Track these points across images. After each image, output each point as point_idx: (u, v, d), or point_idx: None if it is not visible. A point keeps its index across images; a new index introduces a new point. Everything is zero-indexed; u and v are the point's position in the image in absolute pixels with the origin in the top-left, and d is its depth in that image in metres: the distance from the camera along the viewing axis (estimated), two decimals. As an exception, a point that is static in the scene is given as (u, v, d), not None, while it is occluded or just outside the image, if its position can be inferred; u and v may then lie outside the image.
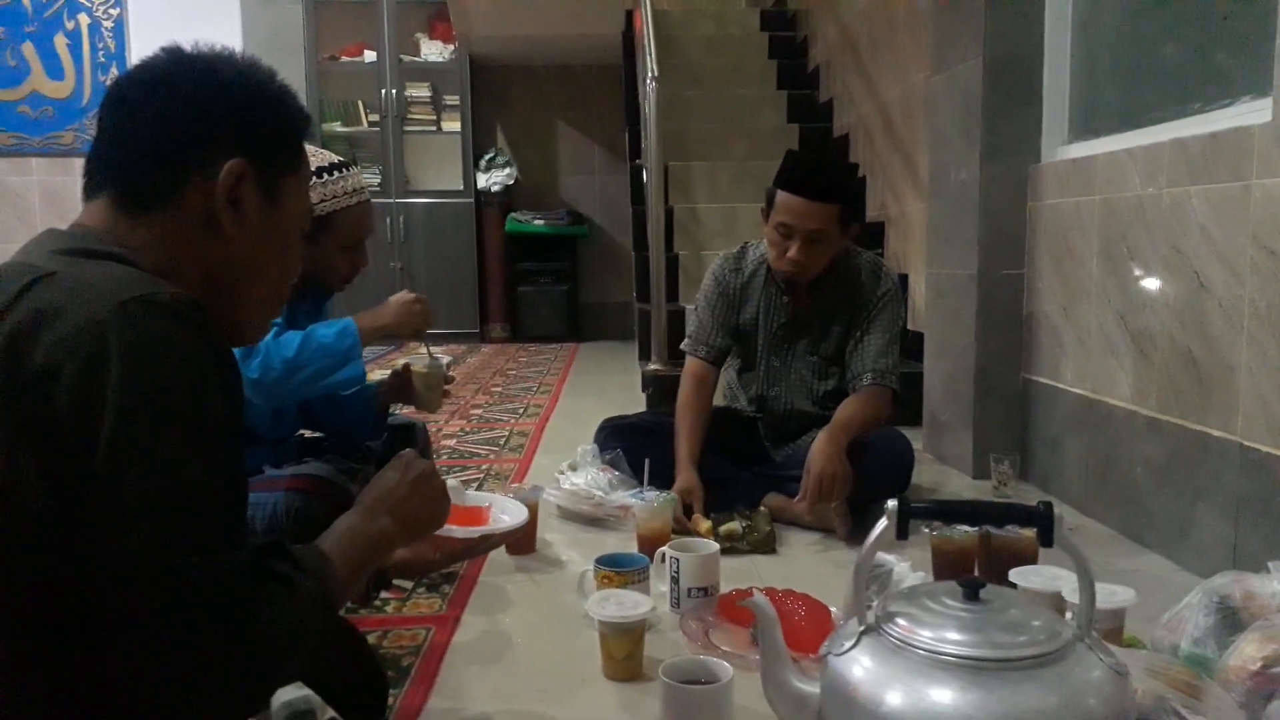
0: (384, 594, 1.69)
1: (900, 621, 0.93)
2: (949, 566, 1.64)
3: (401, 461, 1.04)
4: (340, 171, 1.73)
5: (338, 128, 6.08)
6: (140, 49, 5.12)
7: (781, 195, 2.11)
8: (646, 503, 1.95)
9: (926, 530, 1.68)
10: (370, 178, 5.85)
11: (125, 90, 0.89)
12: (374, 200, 1.84)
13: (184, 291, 0.80)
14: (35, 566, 0.73)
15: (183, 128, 0.87)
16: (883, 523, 0.97)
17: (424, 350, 2.03)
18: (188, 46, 0.90)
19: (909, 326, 3.28)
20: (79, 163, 0.92)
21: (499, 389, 4.22)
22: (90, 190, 0.89)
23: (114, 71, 5.62)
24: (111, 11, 5.67)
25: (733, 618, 1.52)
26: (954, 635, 0.90)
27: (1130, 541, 2.03)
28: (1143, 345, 1.99)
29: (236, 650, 0.75)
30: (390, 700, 1.26)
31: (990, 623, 0.91)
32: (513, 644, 1.55)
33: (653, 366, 3.48)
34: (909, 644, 0.91)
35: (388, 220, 5.88)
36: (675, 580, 1.62)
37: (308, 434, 1.98)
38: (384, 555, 0.98)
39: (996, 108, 2.46)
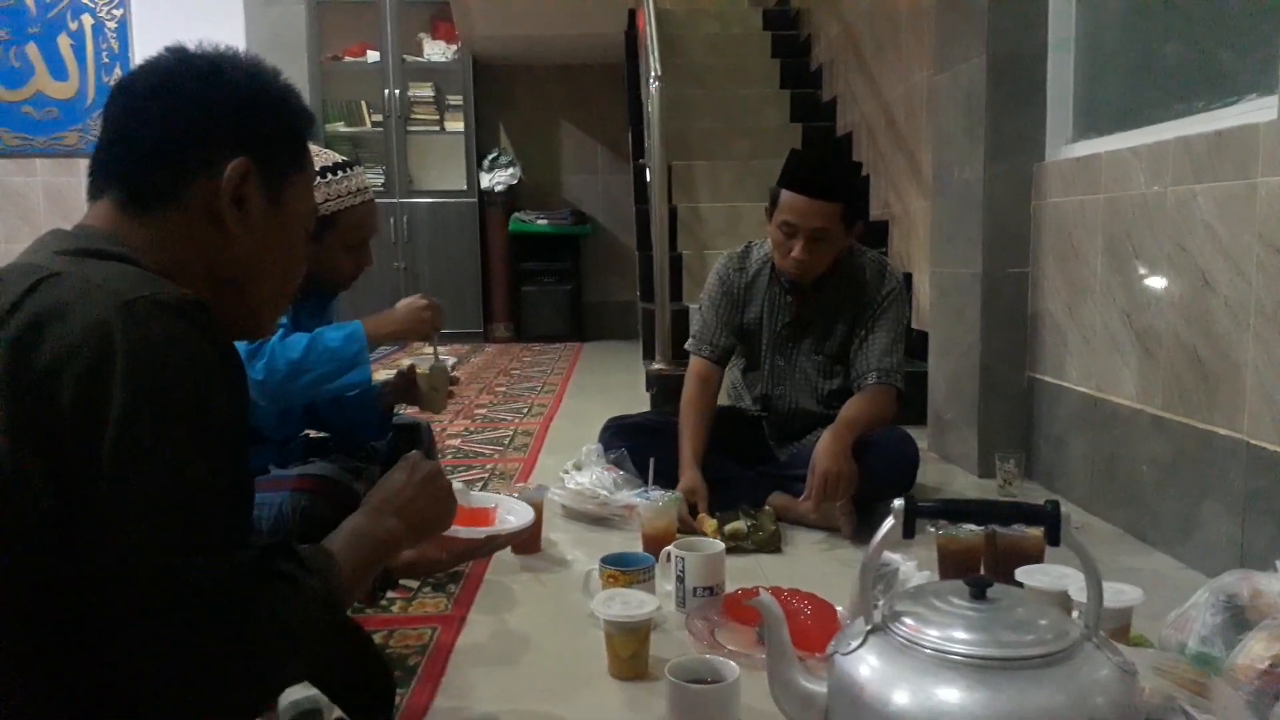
0: (390, 594, 1.69)
1: (907, 621, 0.93)
2: (955, 565, 1.64)
3: (408, 463, 1.04)
4: (344, 171, 1.73)
5: (341, 128, 6.09)
6: (143, 50, 5.13)
7: (785, 194, 2.11)
8: (651, 502, 1.94)
9: (932, 529, 1.68)
10: (374, 178, 5.86)
11: (130, 90, 0.89)
12: (377, 200, 1.84)
13: (189, 291, 0.81)
14: (38, 566, 0.73)
15: (187, 127, 0.87)
16: (889, 521, 0.97)
17: (429, 350, 2.03)
18: (192, 46, 0.90)
19: (913, 325, 3.28)
20: (83, 163, 0.92)
21: (503, 389, 4.22)
22: (95, 190, 0.89)
23: (117, 72, 5.63)
24: (115, 12, 5.68)
25: (738, 617, 1.52)
26: (961, 634, 0.89)
27: (1136, 540, 2.03)
28: (1148, 344, 1.99)
29: (239, 649, 0.75)
30: (396, 700, 1.26)
31: (997, 622, 0.91)
32: (518, 643, 1.55)
33: (657, 366, 3.48)
34: (916, 643, 0.91)
35: (391, 220, 5.88)
36: (680, 579, 1.62)
37: (313, 434, 1.98)
38: (390, 556, 0.99)
39: (1000, 106, 2.46)
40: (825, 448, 1.99)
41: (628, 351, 5.21)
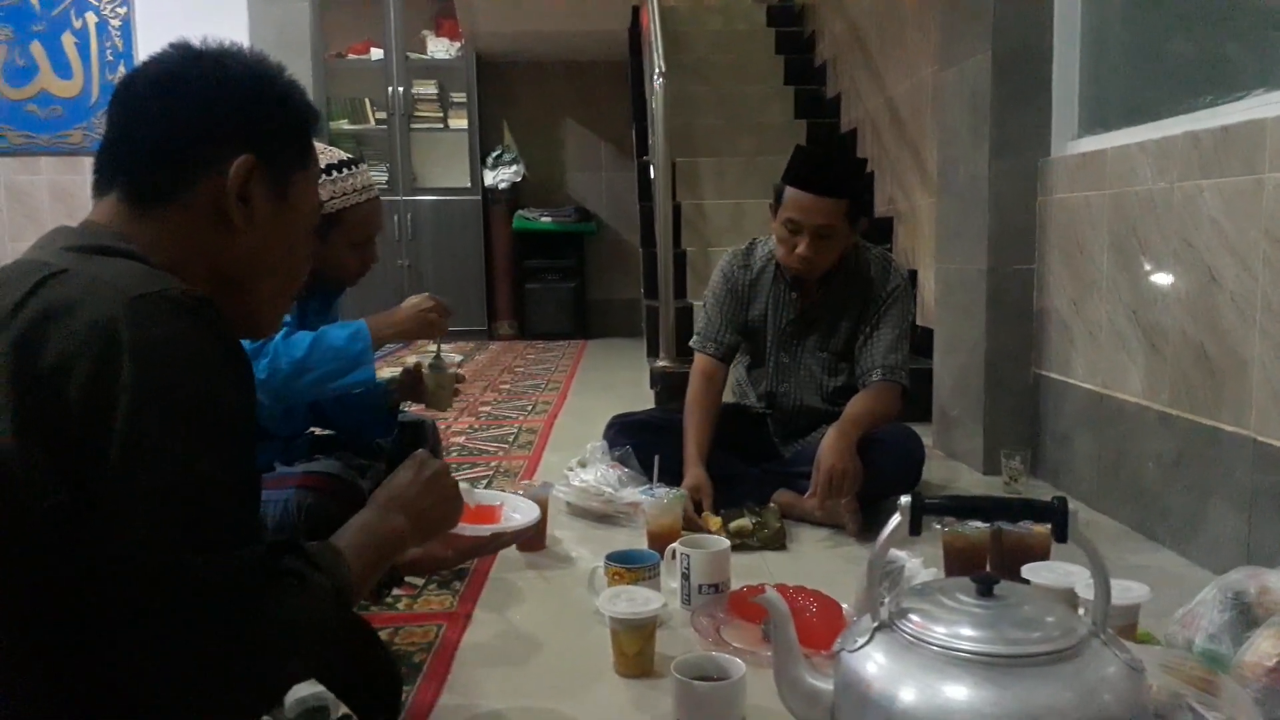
0: (395, 591, 1.69)
1: (914, 618, 0.93)
2: (960, 562, 1.64)
3: (415, 461, 1.04)
4: (349, 169, 1.73)
5: (345, 125, 6.09)
6: (148, 48, 5.12)
7: (790, 191, 2.10)
8: (656, 499, 1.94)
9: (938, 526, 1.68)
10: (377, 175, 5.83)
11: (134, 87, 0.89)
12: (381, 198, 1.84)
13: (195, 288, 0.81)
14: (45, 563, 0.73)
15: (192, 124, 0.87)
16: (896, 518, 0.97)
17: (433, 348, 2.03)
18: (196, 43, 0.90)
19: (918, 322, 3.28)
20: (88, 162, 0.92)
21: (507, 386, 4.22)
22: (100, 187, 0.89)
23: (122, 70, 5.63)
24: (119, 10, 5.68)
25: (743, 614, 1.52)
26: (968, 631, 0.89)
27: (1142, 537, 2.02)
28: (1154, 340, 1.98)
29: (246, 646, 0.75)
30: (402, 697, 1.26)
31: (1004, 619, 0.90)
32: (524, 640, 1.55)
33: (661, 363, 3.48)
34: (923, 640, 0.91)
35: (395, 218, 5.88)
36: (686, 577, 1.62)
37: (318, 431, 1.98)
38: (397, 554, 0.99)
39: (1005, 102, 2.45)
40: (830, 445, 1.99)
41: (632, 349, 5.21)
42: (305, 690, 1.16)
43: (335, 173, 1.71)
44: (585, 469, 2.24)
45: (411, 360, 2.03)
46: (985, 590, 0.94)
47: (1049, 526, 0.95)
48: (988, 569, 1.59)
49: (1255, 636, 1.19)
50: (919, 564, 1.52)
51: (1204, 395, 1.82)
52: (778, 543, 1.97)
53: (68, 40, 5.68)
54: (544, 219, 6.05)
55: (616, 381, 4.25)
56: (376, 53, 6.06)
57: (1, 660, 0.75)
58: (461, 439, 3.10)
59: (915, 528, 0.96)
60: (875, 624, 0.95)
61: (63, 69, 5.70)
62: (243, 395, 0.81)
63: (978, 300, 2.54)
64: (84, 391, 0.72)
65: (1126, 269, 2.08)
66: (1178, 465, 1.91)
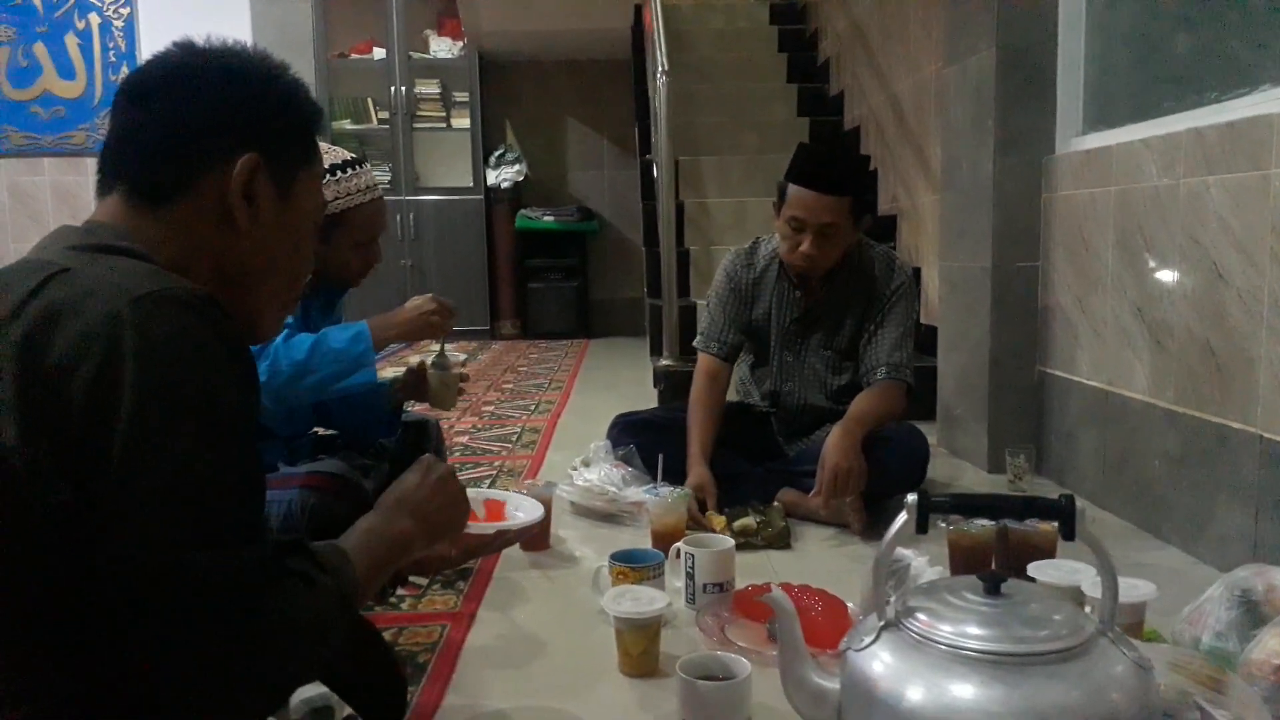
0: (399, 591, 1.69)
1: (920, 616, 0.93)
2: (966, 561, 1.63)
3: (422, 464, 1.04)
4: (353, 169, 1.73)
5: (347, 125, 6.09)
6: (151, 48, 5.12)
7: (793, 189, 2.10)
8: (660, 498, 1.94)
9: (943, 524, 1.67)
10: (380, 175, 5.86)
11: (138, 85, 0.89)
12: (384, 198, 1.84)
13: (199, 286, 0.80)
14: (49, 561, 0.73)
15: (196, 122, 0.87)
16: (902, 516, 0.96)
17: (435, 346, 2.02)
18: (199, 41, 0.90)
19: (922, 320, 3.27)
20: (91, 162, 0.92)
21: (510, 386, 4.22)
22: (104, 186, 0.89)
23: (125, 71, 5.64)
24: (122, 11, 5.69)
25: (748, 613, 1.51)
26: (975, 630, 0.89)
27: (1147, 535, 2.02)
28: (1160, 337, 1.98)
29: (249, 646, 0.75)
30: (407, 698, 1.26)
31: (1012, 617, 0.90)
32: (529, 640, 1.55)
33: (664, 362, 3.48)
34: (930, 639, 0.90)
35: (398, 218, 5.89)
36: (690, 576, 1.62)
37: (322, 431, 1.98)
38: (404, 557, 0.98)
39: (1010, 99, 2.44)
40: (835, 443, 1.98)
41: (634, 348, 5.20)
42: (311, 691, 1.16)
43: (339, 173, 1.70)
44: (589, 468, 2.24)
45: (415, 360, 2.03)
46: (992, 588, 0.93)
47: (1055, 524, 0.94)
48: (993, 567, 1.58)
49: (1262, 634, 1.19)
50: (925, 562, 1.51)
51: (1210, 392, 1.82)
52: (782, 542, 1.96)
53: (71, 41, 5.69)
54: (546, 218, 6.05)
55: (620, 380, 4.25)
56: (379, 52, 6.06)
57: (7, 660, 0.75)
58: (465, 438, 3.10)
59: (922, 526, 0.96)
60: (882, 623, 0.95)
61: (66, 70, 5.71)
62: (246, 394, 0.81)
63: (982, 298, 2.54)
64: (88, 390, 0.72)
65: (1132, 266, 2.08)
66: (1184, 463, 1.90)
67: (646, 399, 3.38)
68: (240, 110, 0.88)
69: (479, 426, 3.30)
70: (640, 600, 1.40)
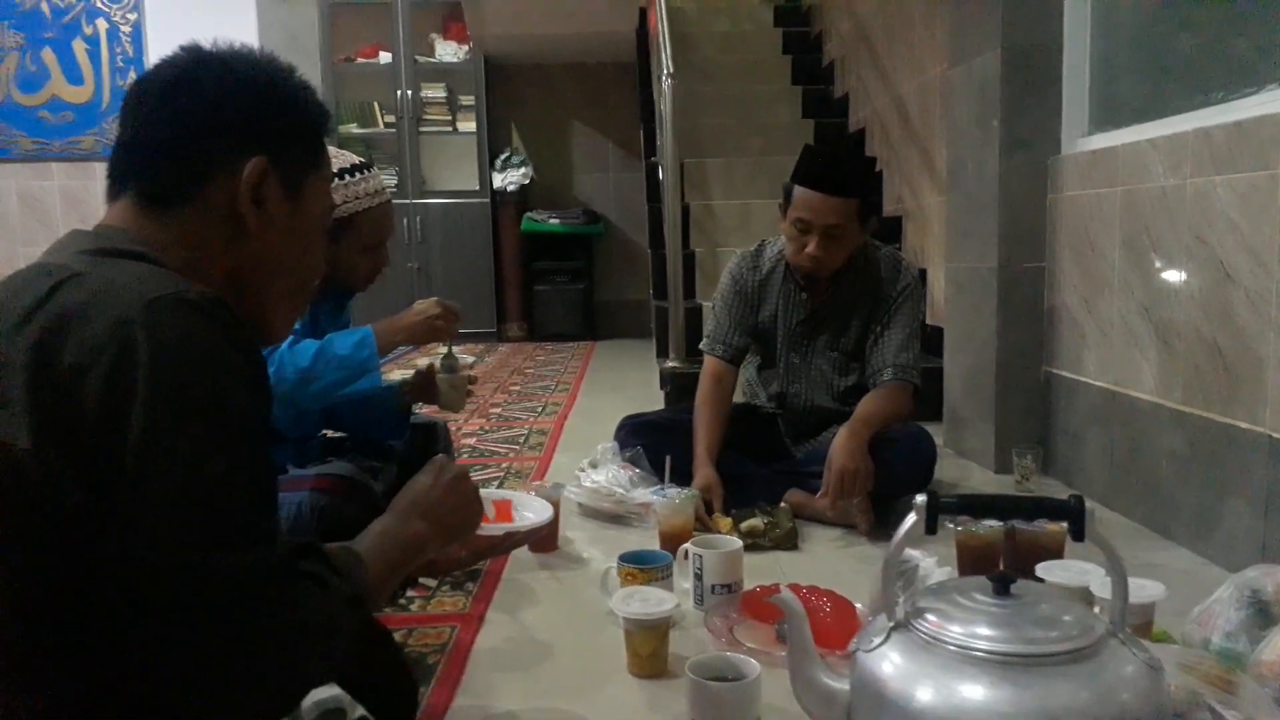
0: (409, 592, 1.70)
1: (930, 617, 0.93)
2: (974, 562, 1.63)
3: (435, 466, 1.04)
4: (362, 173, 1.74)
5: (354, 129, 6.11)
6: (158, 53, 5.13)
7: (799, 191, 2.10)
8: (668, 500, 1.94)
9: (951, 525, 1.67)
10: (387, 179, 5.86)
11: (146, 89, 0.89)
12: (392, 201, 1.84)
13: (210, 289, 0.81)
14: (62, 563, 0.73)
15: (204, 126, 0.87)
16: (911, 517, 0.96)
17: (443, 348, 2.03)
18: (207, 45, 0.90)
19: (928, 321, 3.27)
20: (99, 167, 0.93)
21: (517, 388, 4.22)
22: (114, 191, 0.89)
23: (132, 76, 5.65)
24: (129, 16, 5.72)
25: (757, 614, 1.51)
26: (985, 631, 0.89)
27: (1155, 535, 2.01)
28: (1167, 337, 1.98)
29: (261, 647, 0.75)
30: (419, 699, 1.26)
31: (1022, 618, 0.90)
32: (537, 641, 1.55)
33: (670, 364, 3.48)
34: (939, 640, 0.90)
35: (404, 221, 5.90)
36: (698, 577, 1.62)
37: (330, 433, 1.99)
38: (417, 559, 0.99)
39: (1015, 99, 2.44)
40: (842, 444, 1.98)
41: (640, 350, 5.21)
42: (323, 693, 1.16)
43: (348, 176, 1.71)
44: (596, 470, 2.24)
45: (423, 362, 2.03)
46: (1002, 589, 0.93)
47: (1063, 525, 0.94)
48: (1001, 568, 1.58)
49: (1273, 634, 1.19)
50: (934, 563, 1.51)
51: (1218, 392, 1.81)
52: (790, 543, 1.96)
53: (78, 47, 5.72)
54: (552, 221, 6.05)
55: (626, 382, 4.25)
56: (385, 56, 6.08)
57: (21, 661, 0.75)
58: (472, 440, 3.11)
59: (931, 527, 0.96)
60: (891, 623, 0.95)
61: (74, 75, 5.74)
62: (257, 396, 0.82)
63: (988, 298, 2.54)
64: (100, 394, 0.73)
65: (1138, 266, 2.07)
66: (1192, 463, 1.90)
67: (653, 401, 3.38)
68: (248, 113, 0.88)
69: (486, 428, 3.31)
70: (649, 601, 1.40)
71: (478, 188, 6.10)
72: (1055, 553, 1.59)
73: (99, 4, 5.73)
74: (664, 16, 3.92)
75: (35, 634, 0.75)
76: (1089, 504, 0.93)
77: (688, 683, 1.19)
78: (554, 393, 4.05)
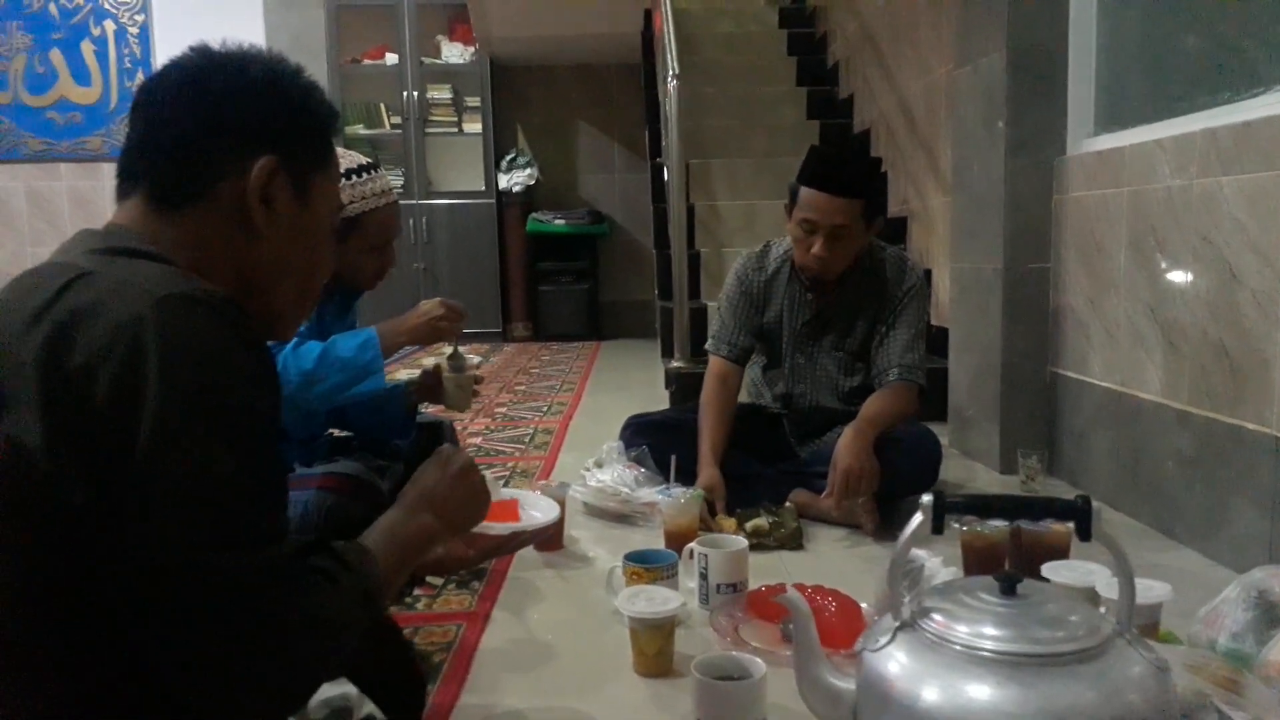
0: (415, 591, 1.70)
1: (936, 617, 0.93)
2: (980, 562, 1.63)
3: (441, 457, 1.04)
4: (369, 173, 1.74)
5: (360, 130, 6.12)
6: (166, 54, 5.17)
7: (805, 191, 2.10)
8: (673, 499, 1.94)
9: (956, 525, 1.67)
10: (393, 180, 5.86)
11: (155, 90, 0.89)
12: (398, 202, 1.85)
13: (220, 288, 0.81)
14: (73, 561, 0.74)
15: (213, 125, 0.87)
16: (918, 517, 0.96)
17: (448, 348, 2.03)
18: (215, 45, 0.91)
19: (933, 322, 3.27)
20: (107, 168, 0.93)
21: (523, 387, 4.23)
22: (123, 190, 0.89)
23: (140, 77, 5.69)
24: (137, 18, 5.74)
25: (762, 614, 1.52)
26: (991, 630, 0.89)
27: (1161, 536, 2.01)
28: (1173, 338, 1.97)
29: (273, 644, 0.75)
30: (427, 695, 1.26)
31: (1028, 618, 0.90)
32: (543, 640, 1.55)
33: (675, 364, 3.48)
34: (946, 639, 0.90)
35: (410, 222, 5.91)
36: (704, 576, 1.62)
37: (337, 433, 1.99)
38: (426, 552, 0.99)
39: (1021, 100, 2.44)
40: (847, 445, 1.98)
41: (645, 350, 5.21)
42: (330, 691, 1.16)
43: (354, 177, 1.72)
44: (602, 469, 2.24)
45: (429, 362, 2.04)
46: (1008, 589, 0.93)
47: (1068, 525, 0.94)
48: (1007, 568, 1.58)
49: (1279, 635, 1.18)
50: (939, 563, 1.51)
51: (1224, 393, 1.81)
52: (795, 542, 1.96)
53: (86, 48, 5.74)
54: (558, 221, 6.06)
55: (631, 382, 4.26)
56: (391, 58, 6.09)
57: (33, 660, 0.76)
58: (478, 440, 3.11)
59: (938, 527, 0.96)
60: (897, 623, 0.95)
61: (82, 76, 5.76)
62: (267, 395, 0.82)
63: (993, 299, 2.53)
64: (111, 393, 0.73)
65: (1144, 267, 2.07)
66: (1198, 464, 1.89)
67: (658, 401, 3.39)
68: (257, 114, 0.89)
69: (492, 428, 3.31)
70: (655, 600, 1.40)
71: (483, 188, 6.11)
72: (1061, 553, 1.59)
73: (107, 5, 5.75)
74: (669, 18, 3.93)
75: (40, 633, 0.75)
76: (1095, 504, 0.93)
77: (693, 682, 1.20)
78: (559, 392, 4.06)
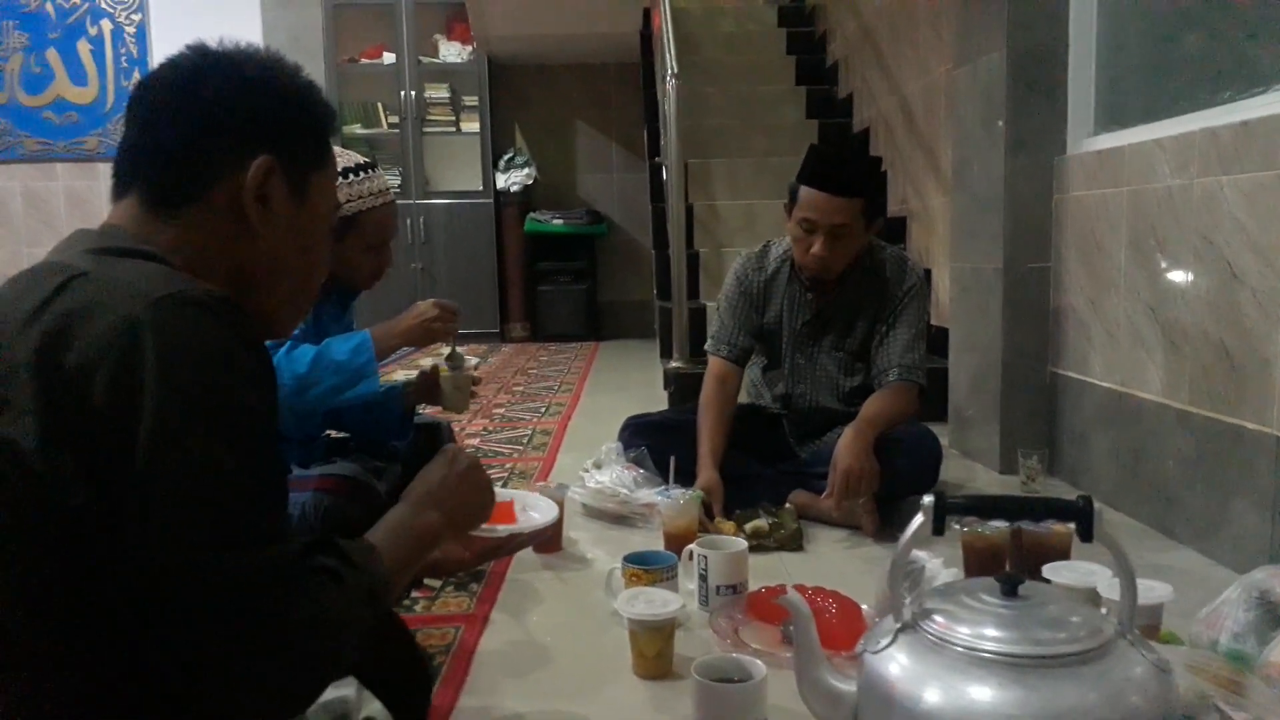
0: (414, 593, 1.70)
1: (937, 618, 0.92)
2: (980, 563, 1.62)
3: (447, 455, 1.04)
4: (366, 172, 1.74)
5: (358, 130, 6.11)
6: (162, 53, 5.14)
7: (804, 191, 2.09)
8: (672, 500, 1.94)
9: (957, 526, 1.67)
10: (390, 179, 5.86)
11: (152, 88, 0.89)
12: (396, 201, 1.84)
13: (216, 288, 0.81)
14: (73, 563, 0.73)
15: (209, 125, 0.87)
16: (919, 518, 0.96)
17: (446, 349, 2.02)
18: (212, 44, 0.90)
19: (933, 321, 3.27)
20: (103, 168, 0.93)
21: (521, 388, 4.22)
22: (119, 190, 0.89)
23: (137, 76, 5.66)
24: (133, 17, 5.73)
25: (762, 615, 1.51)
26: (993, 632, 0.89)
27: (1162, 536, 2.01)
28: (1173, 338, 1.97)
29: (279, 643, 0.75)
30: (432, 694, 1.26)
31: (1030, 619, 0.90)
32: (542, 642, 1.55)
33: (674, 364, 3.48)
34: (947, 641, 0.90)
35: (408, 221, 5.90)
36: (703, 578, 1.62)
37: (334, 434, 1.98)
38: (431, 549, 0.99)
39: (1020, 100, 2.44)
40: (847, 445, 1.98)
41: (644, 350, 5.21)
42: (329, 694, 1.16)
43: (352, 176, 1.71)
44: (600, 470, 2.24)
45: (426, 362, 2.03)
46: (1009, 590, 0.93)
47: (1069, 526, 0.94)
48: (1007, 569, 1.57)
49: (1282, 636, 1.18)
50: (940, 564, 1.51)
51: (1225, 393, 1.81)
52: (795, 544, 1.96)
53: (83, 47, 5.73)
54: (556, 221, 6.05)
55: (630, 383, 4.25)
56: (389, 57, 6.08)
57: (34, 660, 0.75)
58: (476, 440, 3.11)
59: (939, 527, 0.95)
60: (898, 625, 0.95)
61: (78, 76, 5.75)
62: (265, 394, 0.82)
63: (993, 299, 2.53)
64: (108, 393, 0.72)
65: (1145, 267, 2.07)
66: (1198, 464, 1.89)
67: (657, 401, 3.38)
68: (254, 113, 0.88)
69: (490, 429, 3.31)
70: (654, 602, 1.40)
71: (481, 188, 6.10)
72: (1061, 554, 1.58)
73: (103, 5, 5.74)
74: (668, 17, 3.93)
75: (40, 634, 0.75)
76: (1097, 505, 0.93)
77: (693, 684, 1.19)
78: (558, 393, 4.05)
